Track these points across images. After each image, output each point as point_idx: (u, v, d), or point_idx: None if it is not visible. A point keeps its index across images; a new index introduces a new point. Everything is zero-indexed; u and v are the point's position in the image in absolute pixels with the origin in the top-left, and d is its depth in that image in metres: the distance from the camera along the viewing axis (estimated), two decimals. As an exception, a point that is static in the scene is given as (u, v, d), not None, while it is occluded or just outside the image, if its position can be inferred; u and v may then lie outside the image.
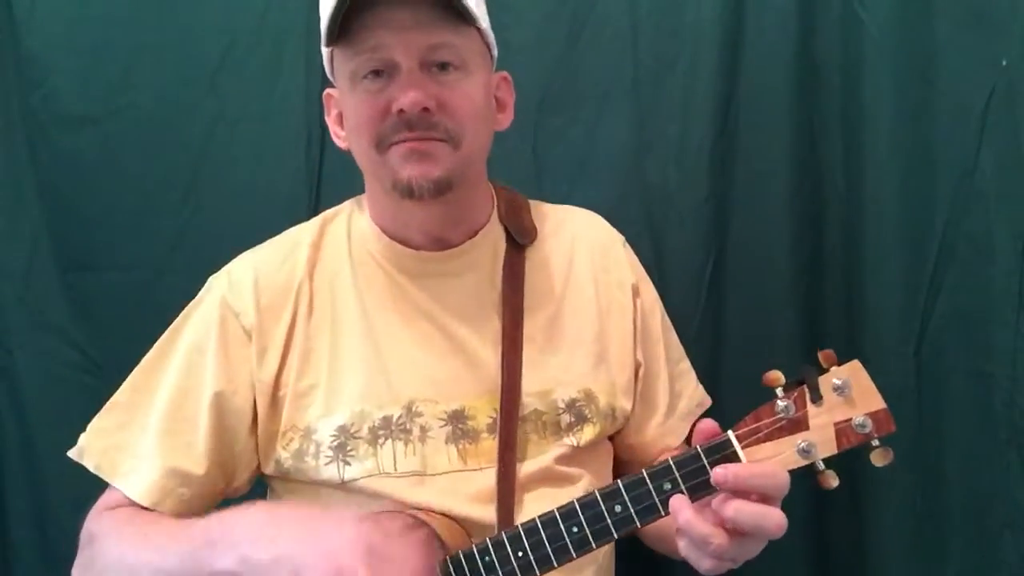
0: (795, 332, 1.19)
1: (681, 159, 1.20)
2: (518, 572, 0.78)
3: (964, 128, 1.10)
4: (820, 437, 0.74)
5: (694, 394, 1.05)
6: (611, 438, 1.01)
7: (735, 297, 1.21)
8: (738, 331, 1.21)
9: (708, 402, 1.08)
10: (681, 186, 1.21)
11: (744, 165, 1.20)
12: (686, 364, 1.06)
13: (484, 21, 0.91)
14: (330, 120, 0.97)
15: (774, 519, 0.72)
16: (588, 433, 0.92)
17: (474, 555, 0.79)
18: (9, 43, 1.26)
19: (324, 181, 1.27)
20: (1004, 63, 1.07)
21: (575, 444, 0.92)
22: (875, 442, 0.74)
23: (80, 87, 1.26)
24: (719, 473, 0.73)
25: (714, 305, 1.20)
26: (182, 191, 1.27)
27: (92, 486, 1.31)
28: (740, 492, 0.72)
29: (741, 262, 1.21)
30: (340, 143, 0.96)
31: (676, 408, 1.02)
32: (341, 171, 1.27)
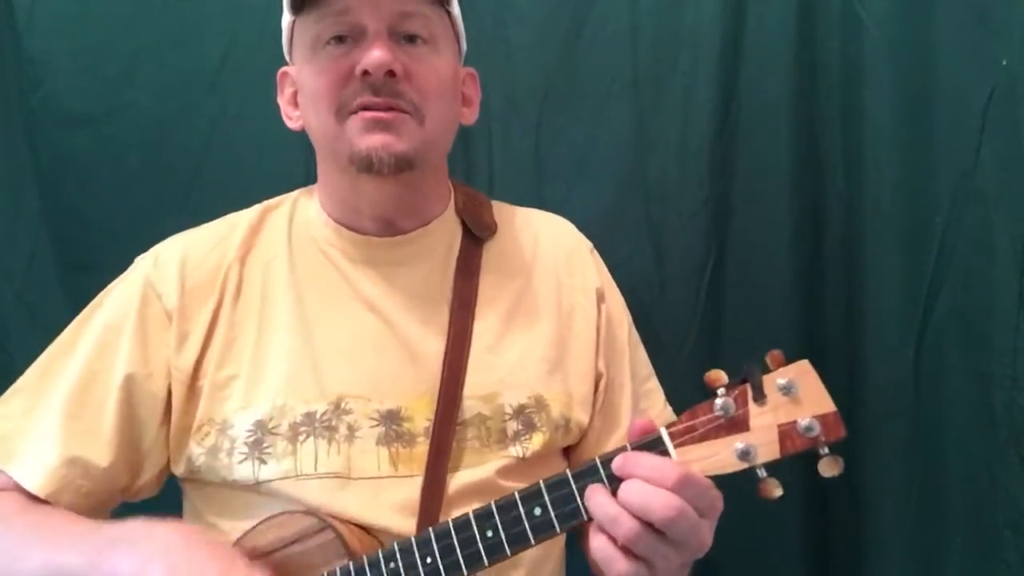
0: (795, 332, 1.18)
1: (681, 159, 1.20)
2: None
3: (964, 128, 1.09)
4: (761, 439, 0.68)
5: (661, 414, 0.96)
6: (567, 455, 0.94)
7: (735, 297, 1.21)
8: (738, 331, 1.20)
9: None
10: (681, 186, 1.20)
11: (744, 165, 1.20)
12: (654, 383, 0.99)
13: (455, 7, 0.88)
14: (282, 101, 0.92)
15: (660, 499, 0.64)
16: (536, 442, 0.85)
17: (378, 561, 0.72)
18: (9, 43, 1.26)
19: (324, 181, 1.27)
20: (1004, 63, 1.07)
21: (520, 455, 0.84)
22: (824, 450, 0.68)
23: (80, 87, 1.26)
24: (616, 459, 0.68)
25: (714, 305, 1.20)
26: (182, 191, 1.27)
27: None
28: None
29: (741, 262, 1.20)
30: (292, 124, 0.91)
31: None
32: (341, 171, 1.28)
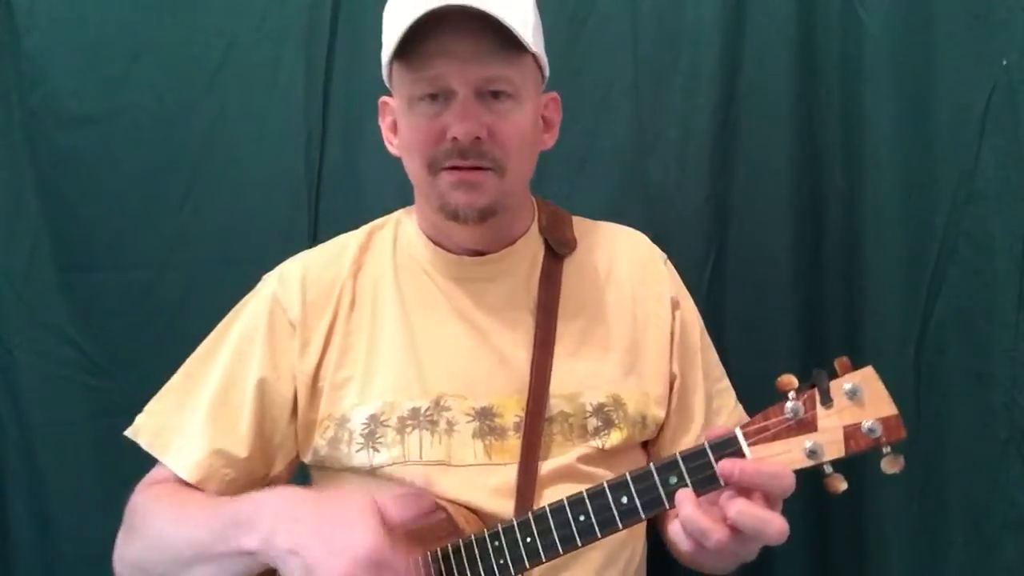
0: (795, 332, 1.19)
1: (681, 159, 1.21)
2: (525, 557, 0.80)
3: (964, 128, 1.10)
4: (828, 439, 0.75)
5: (733, 412, 1.04)
6: (645, 448, 1.03)
7: (735, 296, 1.21)
8: (738, 331, 1.21)
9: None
10: (681, 185, 1.21)
11: (744, 165, 1.20)
12: (726, 383, 1.06)
13: (539, 47, 0.94)
14: (384, 126, 1.01)
15: (775, 525, 0.73)
16: (615, 438, 0.94)
17: (484, 539, 0.82)
18: (9, 43, 1.26)
19: (324, 181, 1.27)
20: (1004, 63, 1.07)
21: (600, 447, 0.94)
22: (886, 449, 0.75)
23: (80, 87, 1.27)
24: (725, 465, 0.74)
25: (714, 304, 1.20)
26: (182, 191, 1.28)
27: (92, 485, 1.31)
28: (744, 489, 0.74)
29: (741, 261, 1.21)
30: (392, 150, 0.99)
31: (714, 425, 1.02)
32: (341, 171, 1.28)
